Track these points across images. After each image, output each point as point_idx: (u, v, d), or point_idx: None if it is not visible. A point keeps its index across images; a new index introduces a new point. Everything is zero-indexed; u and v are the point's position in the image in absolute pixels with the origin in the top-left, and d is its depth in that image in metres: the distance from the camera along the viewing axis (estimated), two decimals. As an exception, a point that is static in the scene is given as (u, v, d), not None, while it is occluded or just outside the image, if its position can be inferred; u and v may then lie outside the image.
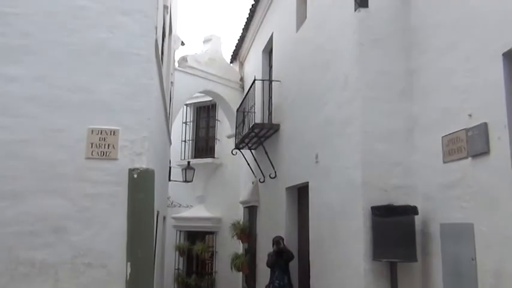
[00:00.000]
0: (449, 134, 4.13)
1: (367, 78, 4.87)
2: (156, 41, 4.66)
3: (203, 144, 14.28)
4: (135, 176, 4.28)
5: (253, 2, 10.30)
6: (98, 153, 4.30)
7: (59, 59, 4.36)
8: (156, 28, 4.58)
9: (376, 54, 4.90)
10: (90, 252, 4.16)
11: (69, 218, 4.18)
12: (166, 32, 7.10)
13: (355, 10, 5.00)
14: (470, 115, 3.85)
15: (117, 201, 4.24)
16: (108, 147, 4.31)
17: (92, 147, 4.29)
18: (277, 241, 7.25)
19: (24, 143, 4.19)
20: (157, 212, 7.25)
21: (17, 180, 4.14)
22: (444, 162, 4.24)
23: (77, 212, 4.20)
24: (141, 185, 4.32)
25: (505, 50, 3.44)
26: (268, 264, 7.45)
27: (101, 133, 4.31)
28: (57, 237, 4.14)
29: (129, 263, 4.12)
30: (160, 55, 6.21)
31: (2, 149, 4.14)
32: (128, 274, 4.09)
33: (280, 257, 7.21)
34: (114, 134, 4.34)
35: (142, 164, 4.34)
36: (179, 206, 13.05)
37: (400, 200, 4.63)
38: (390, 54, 4.90)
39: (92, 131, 4.31)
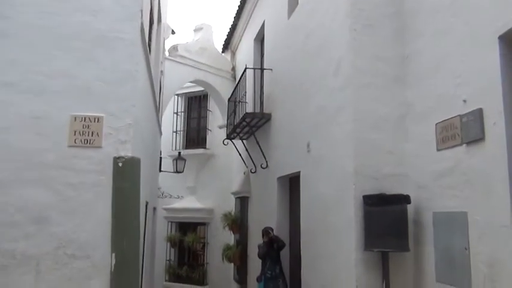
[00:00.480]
0: (443, 120, 4.03)
1: (359, 64, 4.74)
2: (142, 25, 4.49)
3: (194, 135, 14.12)
4: (120, 164, 4.15)
5: (245, -10, 10.12)
6: (81, 141, 4.15)
7: (39, 43, 4.19)
8: (142, 11, 4.41)
9: (369, 39, 4.77)
10: (74, 243, 4.04)
11: (51, 208, 4.04)
12: (154, 18, 6.91)
13: (347, -6, 4.85)
14: (464, 101, 3.74)
15: (101, 190, 4.11)
16: (92, 135, 4.17)
17: (75, 134, 4.15)
18: (266, 231, 7.19)
19: (3, 131, 4.04)
20: (147, 202, 7.12)
21: (-3, 169, 3.99)
22: (438, 149, 4.14)
23: (59, 201, 4.06)
24: (126, 173, 4.18)
25: (501, 32, 3.32)
26: (260, 255, 7.38)
27: (84, 120, 4.17)
28: (39, 228, 4.01)
29: (113, 254, 4.01)
30: (148, 41, 6.04)
31: (-21, 137, 3.99)
32: (113, 265, 3.97)
33: (271, 248, 7.13)
34: (98, 121, 4.19)
35: (127, 152, 4.20)
36: (170, 197, 12.91)
37: (392, 188, 4.54)
38: (383, 39, 4.78)
39: (75, 118, 4.16)
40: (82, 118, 4.15)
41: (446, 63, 4.06)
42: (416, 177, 4.48)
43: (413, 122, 4.58)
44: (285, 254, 7.20)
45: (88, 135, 4.15)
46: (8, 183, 4.00)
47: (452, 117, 3.91)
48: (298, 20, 6.85)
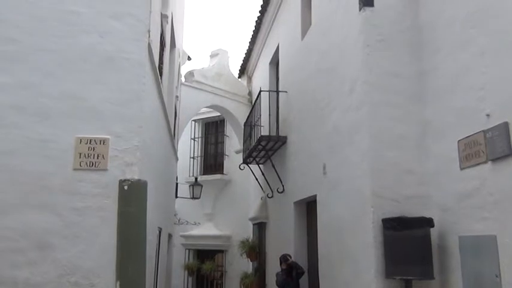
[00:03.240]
0: (466, 137, 3.78)
1: (374, 81, 4.55)
2: (150, 45, 4.42)
3: (212, 161, 14.02)
4: (126, 187, 4.00)
5: (259, 14, 10.14)
6: (86, 163, 4.04)
7: (46, 66, 4.16)
8: (149, 32, 4.35)
9: (383, 56, 4.59)
10: (77, 270, 3.88)
11: (55, 234, 3.91)
12: (166, 42, 6.91)
13: (359, 10, 4.71)
14: (488, 115, 3.50)
15: (106, 215, 3.97)
16: (98, 157, 4.05)
17: (80, 157, 4.04)
18: (284, 258, 6.89)
19: (8, 154, 3.97)
20: (160, 228, 6.96)
21: (0, 193, 3.89)
22: (461, 168, 3.87)
23: (63, 227, 3.93)
24: (132, 197, 4.03)
25: (525, 40, 3.11)
26: (278, 284, 7.07)
27: (90, 142, 4.06)
28: (42, 254, 3.87)
29: (118, 282, 3.81)
30: (159, 64, 6.00)
31: (-15, 161, 3.93)
32: (117, 294, 3.77)
33: (289, 275, 6.82)
34: (103, 143, 4.08)
35: (133, 174, 4.06)
36: (187, 224, 12.71)
37: (413, 211, 4.26)
38: (399, 55, 4.59)
39: (81, 140, 4.06)
40: (88, 140, 4.05)
41: (466, 76, 3.84)
42: (439, 198, 4.19)
43: (433, 139, 4.32)
44: (303, 282, 6.87)
45: (93, 157, 4.04)
46: (13, 208, 3.89)
47: (475, 133, 3.66)
48: (311, 41, 6.75)
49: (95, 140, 4.06)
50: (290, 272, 6.82)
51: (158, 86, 5.52)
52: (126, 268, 3.87)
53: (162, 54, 6.43)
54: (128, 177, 4.04)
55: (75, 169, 4.02)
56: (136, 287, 3.89)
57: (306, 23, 7.15)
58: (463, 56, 3.91)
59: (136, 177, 4.05)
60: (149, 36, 4.36)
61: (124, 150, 4.08)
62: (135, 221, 4.03)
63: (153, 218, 5.34)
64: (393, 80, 4.55)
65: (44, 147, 4.02)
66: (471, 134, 3.71)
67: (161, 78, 6.03)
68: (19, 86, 4.08)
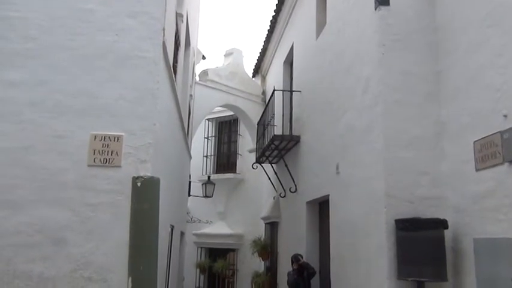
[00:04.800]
0: (482, 138, 3.72)
1: (389, 81, 4.51)
2: (164, 43, 4.45)
3: (225, 160, 14.06)
4: (139, 184, 4.03)
5: (274, 14, 10.13)
6: (100, 160, 4.08)
7: (62, 63, 4.22)
8: (164, 30, 4.38)
9: (398, 55, 4.54)
10: (91, 265, 3.93)
11: (69, 229, 3.97)
12: (181, 41, 6.94)
13: (375, 9, 4.67)
14: (505, 116, 3.44)
15: (119, 211, 4.01)
16: (111, 154, 4.10)
17: (94, 153, 4.09)
18: (295, 258, 6.86)
19: (24, 150, 4.04)
20: (172, 226, 7.00)
21: (16, 189, 3.98)
22: (477, 169, 3.81)
23: (77, 222, 3.98)
24: (145, 194, 4.06)
25: (544, 39, 3.04)
26: (289, 283, 7.04)
27: (104, 139, 4.11)
28: (57, 249, 3.93)
29: (130, 278, 3.85)
30: (174, 63, 6.03)
31: (1, 157, 4.00)
32: (129, 290, 3.80)
33: (301, 275, 6.79)
34: (117, 140, 4.12)
35: (147, 171, 4.09)
36: (199, 222, 12.77)
37: (427, 212, 4.21)
38: (414, 55, 4.53)
39: (95, 137, 4.11)
40: (102, 137, 4.09)
41: (483, 76, 3.78)
42: (454, 199, 4.14)
43: (448, 140, 4.27)
44: (314, 283, 6.84)
45: (107, 154, 4.08)
46: (28, 203, 3.96)
47: (491, 134, 3.60)
48: (326, 40, 6.71)
49: (109, 137, 4.10)
50: (301, 272, 6.79)
51: (172, 85, 5.55)
52: (138, 264, 3.90)
53: (177, 53, 6.47)
54: (141, 174, 4.08)
55: (89, 165, 4.07)
56: (148, 283, 3.92)
57: (320, 23, 7.12)
58: (479, 56, 3.85)
59: (149, 174, 4.08)
60: (164, 35, 4.38)
61: (138, 147, 4.12)
62: (147, 217, 4.06)
63: (165, 215, 5.38)
64: (409, 79, 4.50)
65: (59, 143, 4.08)
66: (487, 135, 3.65)
67: (175, 77, 6.07)
68: (35, 82, 4.15)
